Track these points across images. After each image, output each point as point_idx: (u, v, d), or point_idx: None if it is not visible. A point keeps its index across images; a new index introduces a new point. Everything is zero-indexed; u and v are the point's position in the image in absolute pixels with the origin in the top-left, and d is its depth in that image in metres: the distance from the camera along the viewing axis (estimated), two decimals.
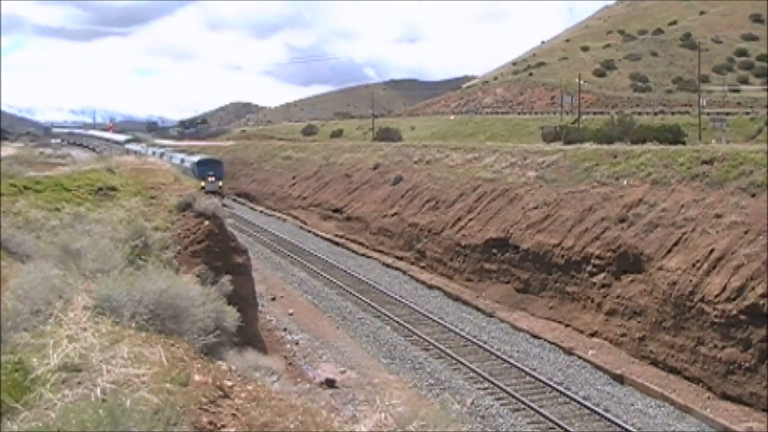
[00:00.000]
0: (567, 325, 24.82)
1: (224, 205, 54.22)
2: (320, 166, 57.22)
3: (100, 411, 3.65)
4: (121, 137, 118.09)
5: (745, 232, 20.40)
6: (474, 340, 23.65)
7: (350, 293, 29.70)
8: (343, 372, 20.53)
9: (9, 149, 56.73)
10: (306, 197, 53.97)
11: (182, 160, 61.12)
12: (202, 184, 51.24)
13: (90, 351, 4.85)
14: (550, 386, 19.64)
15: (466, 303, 28.48)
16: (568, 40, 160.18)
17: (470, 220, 32.92)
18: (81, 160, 40.35)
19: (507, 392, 19.16)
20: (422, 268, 34.47)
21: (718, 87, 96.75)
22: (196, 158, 60.51)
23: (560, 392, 19.24)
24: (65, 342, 4.96)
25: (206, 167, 56.71)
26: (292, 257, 37.84)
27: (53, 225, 13.01)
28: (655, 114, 76.91)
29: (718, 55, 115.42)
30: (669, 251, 22.25)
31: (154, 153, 70.35)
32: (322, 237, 44.34)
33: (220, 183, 56.52)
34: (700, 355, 19.66)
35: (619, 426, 17.22)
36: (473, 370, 20.80)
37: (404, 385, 19.51)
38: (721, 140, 49.78)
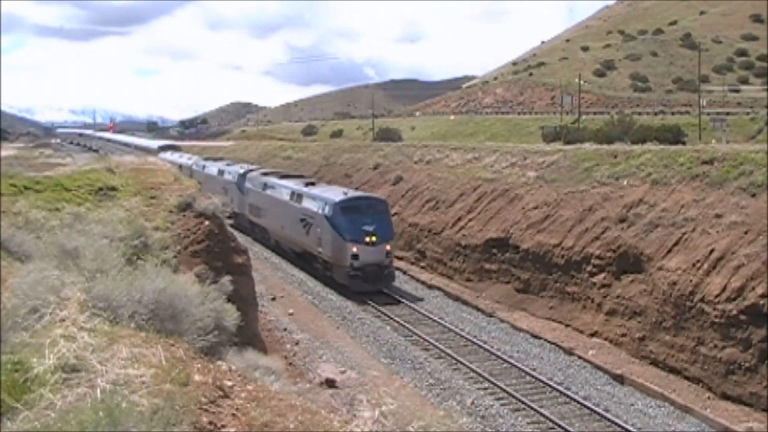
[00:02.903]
0: (567, 325, 24.81)
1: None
2: (320, 166, 57.15)
3: (100, 411, 3.64)
4: (152, 143, 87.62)
5: (745, 232, 20.39)
6: (474, 340, 23.63)
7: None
8: (343, 372, 20.51)
9: (9, 149, 55.76)
10: None
11: (296, 196, 33.44)
12: (354, 250, 28.29)
13: (89, 351, 4.84)
14: (550, 386, 19.63)
15: (466, 303, 28.46)
16: (568, 40, 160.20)
17: (470, 220, 32.90)
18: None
19: (507, 392, 19.15)
20: (422, 268, 34.46)
21: (718, 87, 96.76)
22: (335, 195, 30.96)
23: (560, 392, 19.24)
24: (63, 342, 4.95)
25: (360, 216, 29.17)
26: (290, 258, 37.76)
27: (53, 225, 12.99)
28: (655, 114, 76.90)
29: (718, 55, 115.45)
30: (669, 251, 22.24)
31: (221, 173, 47.42)
32: None
33: (388, 246, 29.30)
34: (700, 355, 19.65)
35: (619, 426, 17.21)
36: (473, 370, 20.79)
37: (404, 385, 19.49)
38: (721, 140, 49.77)
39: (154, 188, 19.78)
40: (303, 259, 33.58)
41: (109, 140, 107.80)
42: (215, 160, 56.21)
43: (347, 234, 28.68)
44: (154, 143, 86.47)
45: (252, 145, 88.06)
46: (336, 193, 31.49)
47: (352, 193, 32.03)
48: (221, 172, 47.61)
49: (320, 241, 30.30)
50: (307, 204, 31.96)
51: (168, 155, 63.39)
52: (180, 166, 56.51)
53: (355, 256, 28.46)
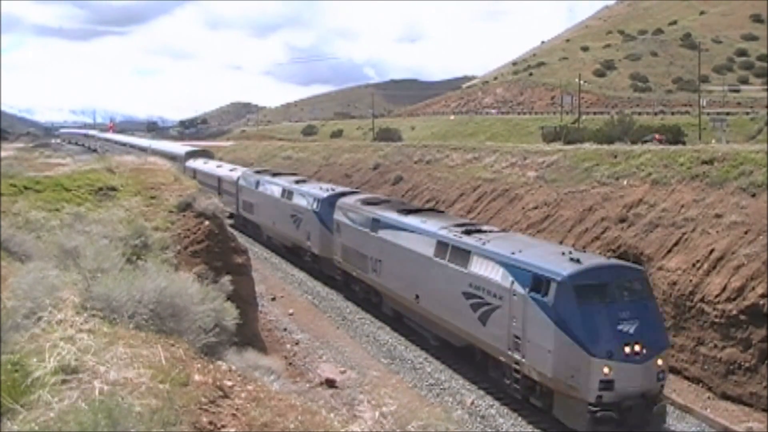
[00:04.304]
0: None
1: None
2: (320, 166, 57.20)
3: (99, 412, 3.64)
4: (175, 147, 67.25)
5: (745, 232, 20.40)
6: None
7: (346, 295, 29.48)
8: (343, 372, 20.51)
9: (9, 149, 55.33)
10: None
11: (455, 253, 19.88)
12: (604, 372, 15.23)
13: (88, 352, 4.84)
14: None
15: None
16: (568, 40, 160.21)
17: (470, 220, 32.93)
18: None
19: (507, 392, 19.12)
20: None
21: (718, 87, 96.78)
22: (553, 262, 16.71)
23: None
24: (62, 343, 4.95)
25: (609, 304, 15.77)
26: (290, 259, 37.63)
27: (53, 225, 13.01)
28: (655, 114, 76.95)
29: (718, 55, 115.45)
30: (669, 251, 22.25)
31: (287, 194, 34.47)
32: None
33: (660, 361, 15.82)
34: (700, 355, 19.65)
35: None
36: (473, 370, 20.76)
37: (404, 385, 19.49)
38: (721, 140, 49.78)
39: (154, 188, 19.80)
40: (469, 357, 20.37)
41: (118, 143, 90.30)
42: (275, 174, 40.22)
43: (591, 340, 15.37)
44: (178, 148, 65.92)
45: (252, 145, 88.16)
46: (549, 256, 17.39)
47: (587, 259, 17.05)
48: (288, 194, 34.49)
49: (519, 344, 16.93)
50: (483, 269, 18.39)
51: (200, 164, 51.17)
52: (219, 180, 45.00)
53: (606, 384, 15.24)
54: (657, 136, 47.36)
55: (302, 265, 33.50)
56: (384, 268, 24.51)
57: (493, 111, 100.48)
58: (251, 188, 39.98)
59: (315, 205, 31.19)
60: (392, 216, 24.65)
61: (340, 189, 33.02)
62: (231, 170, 46.00)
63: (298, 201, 33.26)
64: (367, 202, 27.83)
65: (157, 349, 5.25)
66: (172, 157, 53.00)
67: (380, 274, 24.88)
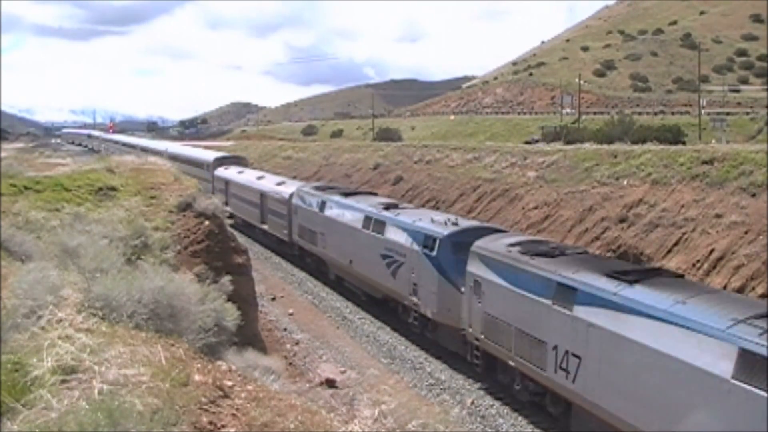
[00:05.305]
0: None
1: None
2: (320, 166, 57.22)
3: (98, 412, 3.64)
4: (202, 152, 56.03)
5: (745, 232, 20.41)
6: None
7: (346, 295, 29.35)
8: (343, 372, 20.51)
9: (9, 149, 55.15)
10: None
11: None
12: None
13: (87, 352, 4.84)
14: None
15: None
16: (568, 40, 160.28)
17: (471, 220, 32.94)
18: None
19: (508, 392, 19.11)
20: None
21: (718, 87, 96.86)
22: None
23: None
24: (62, 343, 4.95)
25: None
26: (291, 260, 37.62)
27: (53, 225, 13.02)
28: (655, 114, 77.00)
29: (718, 55, 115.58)
30: (669, 251, 22.27)
31: (374, 225, 24.39)
32: None
33: None
34: None
35: None
36: (474, 369, 20.75)
37: (404, 385, 19.49)
38: (721, 140, 49.80)
39: (154, 188, 19.81)
40: None
41: (126, 145, 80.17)
42: (347, 194, 29.60)
43: None
44: (205, 153, 54.97)
45: (252, 145, 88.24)
46: None
47: None
48: (376, 224, 24.60)
49: None
50: None
51: (233, 174, 42.33)
52: (261, 196, 36.59)
53: None
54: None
55: (400, 327, 23.71)
56: (588, 370, 14.12)
57: (568, 110, 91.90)
58: (313, 210, 30.47)
59: (429, 246, 21.12)
60: (603, 285, 14.06)
61: (466, 223, 22.43)
62: (278, 184, 36.47)
63: (395, 236, 23.19)
64: (535, 252, 16.64)
65: (157, 349, 5.25)
66: (196, 164, 45.73)
67: (577, 378, 14.54)
